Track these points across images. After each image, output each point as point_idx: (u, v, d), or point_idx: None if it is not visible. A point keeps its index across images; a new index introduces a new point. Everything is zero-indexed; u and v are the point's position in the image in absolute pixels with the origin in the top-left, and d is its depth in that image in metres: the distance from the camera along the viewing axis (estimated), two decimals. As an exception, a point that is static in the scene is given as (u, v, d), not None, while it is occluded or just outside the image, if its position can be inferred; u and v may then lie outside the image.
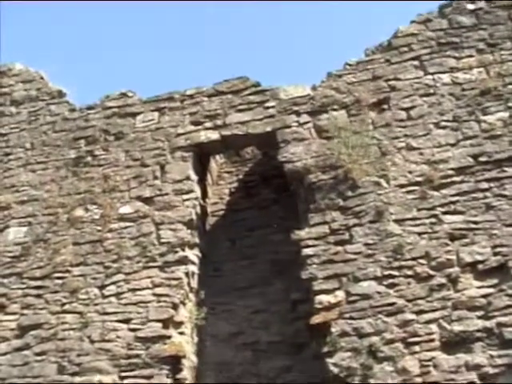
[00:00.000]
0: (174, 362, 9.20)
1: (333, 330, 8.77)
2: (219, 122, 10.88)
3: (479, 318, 8.39)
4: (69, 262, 10.21)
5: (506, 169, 9.24)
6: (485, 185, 9.20)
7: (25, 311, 9.99)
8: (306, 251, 9.41)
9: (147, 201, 10.49)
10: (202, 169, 11.20)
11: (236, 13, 28.59)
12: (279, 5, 26.61)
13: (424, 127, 9.88)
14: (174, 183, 10.51)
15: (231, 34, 29.85)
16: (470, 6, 10.68)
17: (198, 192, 10.62)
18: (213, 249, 11.06)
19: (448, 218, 9.11)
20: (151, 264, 9.92)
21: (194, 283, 10.09)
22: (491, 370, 8.07)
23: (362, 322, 8.72)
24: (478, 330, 8.31)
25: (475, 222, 8.99)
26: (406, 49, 10.63)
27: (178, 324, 9.54)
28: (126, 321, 9.56)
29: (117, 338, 9.46)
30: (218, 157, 12.56)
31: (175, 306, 9.56)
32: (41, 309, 9.94)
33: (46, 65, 15.56)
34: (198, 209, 10.53)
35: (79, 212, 10.68)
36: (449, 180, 9.37)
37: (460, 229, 8.99)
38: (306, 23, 27.57)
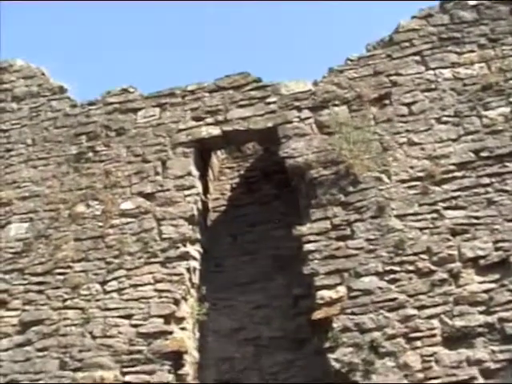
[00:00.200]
0: (176, 358, 9.20)
1: (334, 325, 8.77)
2: (220, 118, 10.88)
3: (481, 313, 8.39)
4: (70, 258, 10.21)
5: (507, 164, 9.23)
6: (486, 180, 9.20)
7: (26, 307, 9.99)
8: (308, 246, 9.41)
9: (149, 196, 10.49)
10: (203, 164, 11.20)
11: (237, 9, 28.57)
12: (280, 1, 26.58)
13: (425, 122, 9.88)
14: (176, 179, 10.52)
15: (233, 31, 29.90)
16: (472, 1, 10.68)
17: (199, 188, 10.63)
18: (214, 244, 11.05)
19: (449, 213, 9.11)
20: (153, 260, 9.93)
21: (196, 279, 10.10)
22: (493, 366, 8.06)
23: (363, 318, 8.72)
24: (480, 326, 8.31)
25: (477, 218, 8.98)
26: (407, 44, 10.62)
27: (180, 320, 9.54)
28: (128, 316, 9.56)
29: (118, 333, 9.47)
30: (219, 152, 12.54)
31: (177, 302, 9.57)
32: (42, 305, 9.95)
33: (47, 61, 15.59)
34: (200, 204, 10.53)
35: (81, 208, 10.69)
36: (450, 175, 9.36)
37: (461, 224, 8.99)
38: (308, 19, 27.53)
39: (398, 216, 9.28)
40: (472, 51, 10.29)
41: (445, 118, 9.82)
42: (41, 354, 9.57)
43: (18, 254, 10.51)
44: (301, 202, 10.19)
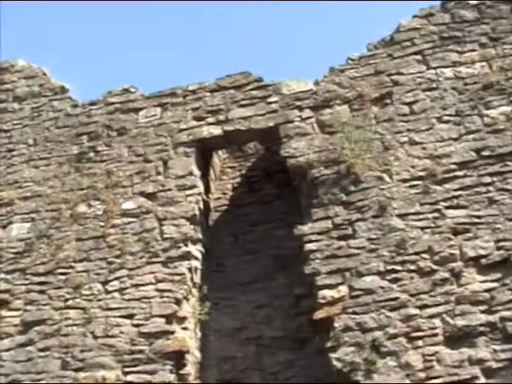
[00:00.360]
0: (178, 358, 9.20)
1: (336, 324, 8.77)
2: (222, 118, 10.89)
3: (482, 312, 8.39)
4: (72, 258, 10.22)
5: (508, 163, 9.22)
6: (488, 179, 9.19)
7: (28, 307, 10.00)
8: (309, 246, 9.41)
9: (150, 196, 10.49)
10: (204, 164, 11.20)
11: (238, 9, 28.54)
12: (281, 0, 26.56)
13: (427, 122, 9.88)
14: (177, 179, 10.52)
15: (233, 31, 29.88)
16: (473, 1, 10.67)
17: (200, 187, 10.62)
18: (216, 244, 11.06)
19: (451, 212, 9.11)
20: (154, 259, 9.93)
21: (197, 278, 10.09)
22: (494, 365, 8.06)
23: (365, 317, 8.72)
24: (482, 325, 8.31)
25: (478, 217, 8.98)
26: (408, 43, 10.62)
27: (182, 319, 9.55)
28: (130, 316, 9.57)
29: (120, 333, 9.47)
30: (220, 152, 12.55)
31: (178, 302, 9.57)
32: (44, 305, 9.95)
33: (48, 61, 15.57)
34: (201, 204, 10.53)
35: (82, 208, 10.70)
36: (452, 174, 9.36)
37: (463, 223, 8.99)
38: (309, 19, 27.52)
39: (399, 215, 9.28)
40: (473, 50, 10.28)
41: (446, 117, 9.82)
42: (43, 353, 9.57)
43: (19, 254, 10.51)
44: (302, 201, 10.19)
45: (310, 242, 9.44)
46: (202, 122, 10.94)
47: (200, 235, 10.30)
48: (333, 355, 8.62)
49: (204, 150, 11.08)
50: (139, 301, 9.64)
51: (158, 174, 10.65)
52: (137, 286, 9.78)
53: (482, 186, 9.17)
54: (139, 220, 10.34)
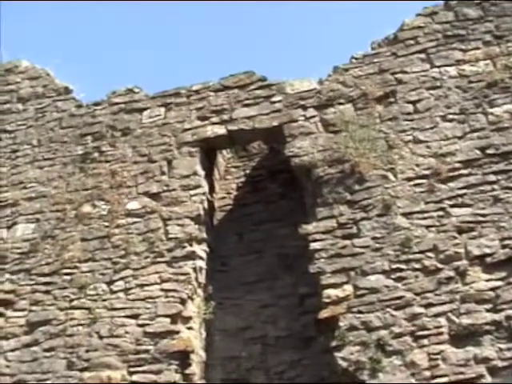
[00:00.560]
0: (183, 357, 9.21)
1: (341, 324, 8.77)
2: (226, 117, 10.88)
3: (488, 311, 8.38)
4: (77, 258, 10.23)
5: (513, 161, 9.23)
6: (492, 177, 9.18)
7: (33, 307, 10.01)
8: (314, 245, 9.41)
9: (155, 196, 10.50)
10: (209, 164, 11.19)
11: (241, 8, 28.57)
12: (284, 0, 26.57)
13: (431, 120, 9.87)
14: (182, 178, 10.52)
15: (237, 30, 29.89)
16: (476, -1, 10.68)
17: (205, 187, 10.63)
18: (220, 243, 11.06)
19: (456, 210, 9.10)
20: (159, 259, 9.94)
21: (202, 278, 10.09)
22: (500, 363, 8.06)
23: (370, 316, 8.72)
24: (487, 323, 8.30)
25: (483, 215, 8.97)
26: (412, 42, 10.61)
27: (187, 319, 9.55)
28: (135, 316, 9.58)
29: (125, 333, 9.48)
30: (224, 152, 12.55)
31: (183, 301, 9.57)
32: (49, 305, 9.97)
33: (51, 62, 15.56)
34: (206, 204, 10.52)
35: (87, 208, 10.70)
36: (456, 173, 9.35)
37: (468, 222, 8.97)
38: (312, 18, 27.56)
39: (404, 214, 9.27)
40: (477, 48, 10.27)
41: (450, 116, 9.80)
42: (48, 354, 9.59)
43: (24, 254, 10.53)
44: (307, 200, 10.19)
45: (315, 241, 9.43)
46: (206, 122, 10.94)
47: (205, 235, 10.29)
48: (338, 354, 8.61)
49: (208, 150, 11.08)
50: (144, 301, 9.65)
51: (163, 173, 10.66)
52: (142, 285, 9.79)
53: (486, 185, 9.16)
54: (144, 220, 10.34)
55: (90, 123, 11.56)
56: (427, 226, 9.10)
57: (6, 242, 10.73)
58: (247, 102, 10.91)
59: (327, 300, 8.96)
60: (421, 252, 8.93)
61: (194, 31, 29.16)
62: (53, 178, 11.15)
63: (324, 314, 8.93)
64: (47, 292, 10.09)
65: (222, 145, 11.38)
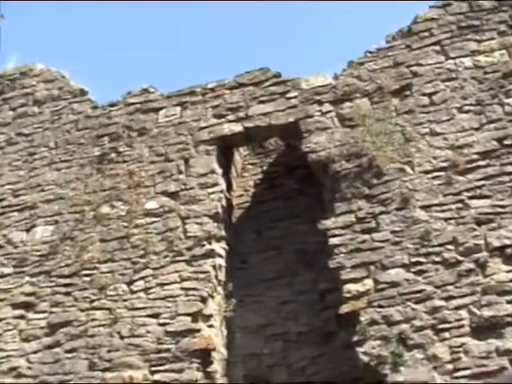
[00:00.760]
0: (204, 355, 9.21)
1: (362, 318, 8.75)
2: (242, 114, 10.88)
3: (509, 302, 8.32)
4: (96, 259, 10.26)
5: (531, 151, 9.18)
6: (510, 168, 9.11)
7: (54, 309, 10.05)
8: (333, 240, 9.39)
9: (172, 195, 10.50)
10: (226, 161, 11.19)
11: (255, 6, 28.60)
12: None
13: (447, 112, 9.82)
14: (199, 177, 10.52)
15: (251, 27, 29.89)
16: (490, -11, 10.61)
17: (222, 185, 10.62)
18: (239, 241, 11.07)
19: (474, 202, 9.05)
20: (178, 258, 9.94)
21: (222, 276, 10.09)
22: (523, 355, 8.03)
23: (390, 310, 8.69)
24: (508, 315, 8.24)
25: (502, 206, 8.91)
26: (426, 34, 10.55)
27: (207, 317, 9.55)
28: (155, 315, 9.59)
29: (146, 332, 9.50)
30: (241, 149, 12.56)
31: (204, 300, 9.58)
32: (70, 306, 10.00)
33: (66, 64, 15.61)
34: (224, 202, 10.52)
35: (105, 209, 10.73)
36: (474, 164, 9.29)
37: (487, 213, 8.92)
38: (326, 12, 27.53)
39: (422, 207, 9.23)
40: (492, 39, 10.20)
41: (466, 107, 9.75)
42: (70, 355, 9.63)
43: (44, 256, 10.57)
44: (325, 195, 10.17)
45: (334, 236, 9.41)
46: (222, 120, 10.94)
47: (223, 233, 10.28)
48: (359, 349, 8.59)
49: (225, 148, 11.08)
50: (164, 300, 9.66)
51: (180, 172, 10.66)
52: (162, 285, 9.80)
53: (504, 176, 9.10)
54: (162, 219, 10.35)
55: (106, 124, 11.59)
56: (446, 219, 9.06)
57: (26, 244, 10.78)
58: (263, 98, 10.90)
59: (347, 295, 8.94)
60: (440, 245, 8.89)
61: (209, 31, 29.31)
62: (70, 179, 11.19)
63: (344, 308, 8.92)
64: (67, 293, 10.13)
65: (239, 142, 11.37)
